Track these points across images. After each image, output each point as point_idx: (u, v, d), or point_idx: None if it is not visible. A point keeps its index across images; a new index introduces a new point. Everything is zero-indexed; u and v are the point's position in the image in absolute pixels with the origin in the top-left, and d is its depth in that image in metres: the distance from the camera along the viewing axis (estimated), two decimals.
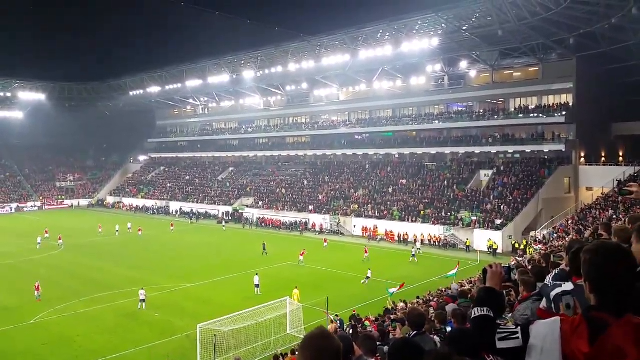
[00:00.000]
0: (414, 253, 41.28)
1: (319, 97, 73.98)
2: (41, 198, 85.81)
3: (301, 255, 39.78)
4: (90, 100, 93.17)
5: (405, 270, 36.60)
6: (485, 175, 53.99)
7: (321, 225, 56.85)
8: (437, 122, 60.49)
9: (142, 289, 29.20)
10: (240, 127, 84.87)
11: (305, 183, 67.77)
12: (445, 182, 55.35)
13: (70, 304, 29.46)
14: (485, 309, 2.62)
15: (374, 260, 39.03)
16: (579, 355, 1.90)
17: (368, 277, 32.85)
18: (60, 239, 49.41)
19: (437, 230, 48.20)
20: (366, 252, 40.61)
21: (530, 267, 9.25)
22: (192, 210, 71.28)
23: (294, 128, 76.99)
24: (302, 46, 63.49)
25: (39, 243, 48.03)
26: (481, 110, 57.65)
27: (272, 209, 63.65)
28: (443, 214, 50.12)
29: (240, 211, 66.50)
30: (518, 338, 2.30)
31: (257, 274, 31.71)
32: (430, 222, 49.55)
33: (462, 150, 57.75)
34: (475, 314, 2.66)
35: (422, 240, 47.02)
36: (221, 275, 35.42)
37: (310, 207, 60.29)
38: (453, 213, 49.63)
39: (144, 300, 28.52)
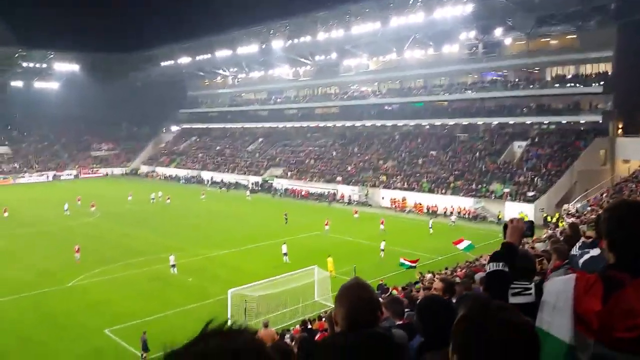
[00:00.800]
0: (431, 224, 41.21)
1: (348, 66, 73.09)
2: (77, 167, 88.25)
3: (326, 225, 40.12)
4: (123, 71, 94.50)
5: (433, 242, 36.47)
6: (518, 146, 52.84)
7: (349, 196, 56.93)
8: (469, 92, 59.16)
9: (172, 254, 30.07)
10: (269, 98, 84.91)
11: (334, 154, 67.67)
12: (477, 154, 54.45)
13: (106, 268, 30.57)
14: (500, 264, 2.55)
15: (403, 232, 39.02)
16: (590, 314, 1.84)
17: (382, 249, 32.70)
18: (93, 206, 50.99)
19: (467, 203, 47.70)
20: (382, 224, 40.47)
21: (562, 238, 9.09)
22: (222, 180, 72.30)
23: (322, 98, 76.52)
24: (331, 14, 62.51)
25: (67, 210, 49.60)
26: (516, 80, 56.02)
27: (301, 179, 63.97)
28: (474, 186, 49.47)
29: (269, 181, 67.05)
30: (531, 294, 2.26)
31: (284, 243, 32.17)
32: (460, 195, 49.03)
33: (495, 120, 56.50)
34: (489, 269, 2.60)
35: (458, 212, 46.61)
36: (250, 244, 36.03)
37: (339, 178, 60.33)
38: (484, 185, 48.94)
39: (174, 265, 29.43)
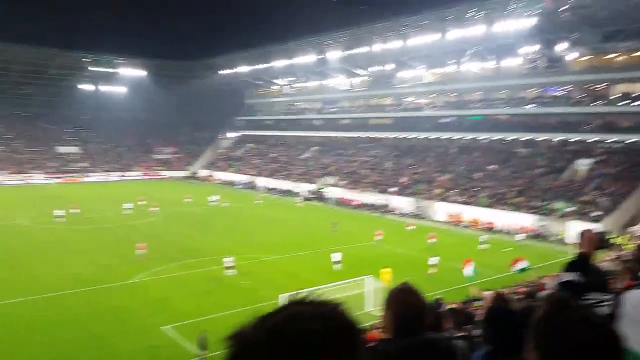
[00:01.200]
0: (481, 240, 40.15)
1: (403, 78, 72.81)
2: (140, 168, 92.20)
3: (377, 235, 40.00)
4: (185, 77, 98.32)
5: (490, 258, 35.56)
6: (582, 164, 50.76)
7: (403, 208, 56.44)
8: (530, 106, 57.50)
9: (229, 257, 30.88)
10: (324, 107, 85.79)
11: (388, 165, 67.38)
12: (538, 170, 52.72)
13: (165, 267, 31.78)
14: (575, 273, 2.54)
15: (457, 246, 38.25)
16: None
17: (432, 265, 31.89)
18: (155, 206, 53.19)
19: (527, 220, 46.21)
20: (432, 238, 39.59)
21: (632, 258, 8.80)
22: (276, 187, 73.50)
23: (377, 109, 76.55)
24: (387, 26, 62.58)
25: (129, 209, 52.10)
26: (580, 96, 53.99)
27: (354, 189, 64.05)
28: (535, 203, 47.90)
29: (322, 190, 67.53)
30: (606, 306, 2.25)
31: (339, 252, 32.33)
32: (520, 211, 47.58)
33: (557, 137, 54.57)
34: (563, 279, 2.59)
35: (501, 229, 45.32)
36: (301, 250, 36.42)
37: (392, 190, 59.98)
38: (546, 203, 47.28)
39: (230, 267, 30.20)
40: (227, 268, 30.21)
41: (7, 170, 79.48)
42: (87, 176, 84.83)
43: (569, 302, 1.49)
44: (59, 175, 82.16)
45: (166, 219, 49.64)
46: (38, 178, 79.63)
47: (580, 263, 2.67)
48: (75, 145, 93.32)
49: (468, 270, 25.76)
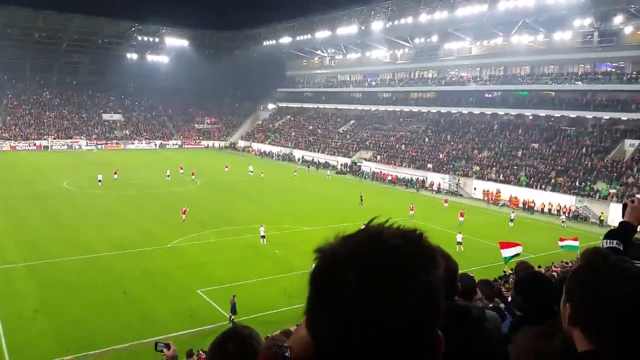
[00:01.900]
0: (512, 218, 39.40)
1: (448, 50, 70.81)
2: (181, 137, 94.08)
3: (411, 209, 39.75)
4: (228, 48, 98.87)
5: (527, 238, 34.80)
6: (630, 145, 48.54)
7: (439, 184, 55.69)
8: (580, 82, 55.04)
9: (262, 225, 31.41)
10: (364, 80, 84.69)
11: (426, 140, 66.33)
12: (584, 150, 50.79)
13: (202, 233, 32.64)
14: (615, 242, 2.41)
15: (493, 226, 37.61)
16: None
17: (459, 242, 31.44)
18: (193, 174, 54.34)
19: (567, 200, 44.86)
20: (462, 216, 38.74)
21: None
22: (312, 159, 73.70)
23: (419, 83, 74.92)
24: None
25: (169, 176, 53.61)
26: (633, 72, 51.25)
27: (390, 164, 63.52)
28: (577, 183, 46.36)
29: (357, 164, 67.29)
30: None
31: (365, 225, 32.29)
32: (561, 191, 46.20)
33: (606, 115, 52.21)
34: (602, 246, 2.45)
35: (542, 209, 44.11)
36: (334, 223, 36.51)
37: (429, 165, 59.16)
38: (588, 183, 45.69)
39: (264, 236, 30.74)
40: (262, 237, 30.79)
41: (54, 136, 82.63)
42: (130, 143, 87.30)
43: (606, 254, 1.42)
44: (103, 142, 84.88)
45: (205, 187, 50.72)
46: (82, 144, 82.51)
47: (622, 232, 2.55)
48: (119, 113, 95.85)
49: (509, 252, 25.07)
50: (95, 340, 18.07)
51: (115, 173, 52.10)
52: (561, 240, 27.10)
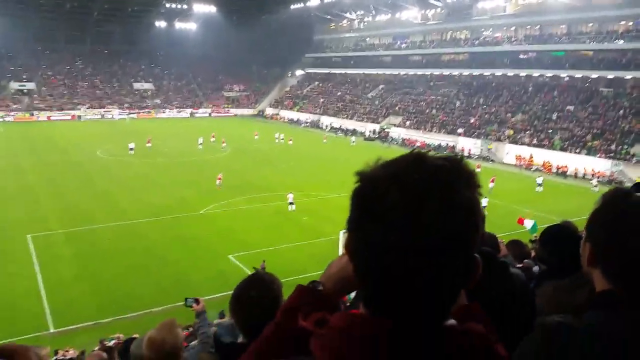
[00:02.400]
0: (539, 182, 38.44)
1: (482, 9, 68.20)
2: (211, 106, 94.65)
3: None
4: (255, 13, 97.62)
5: (555, 203, 34.13)
6: None
7: (470, 149, 54.71)
8: (621, 41, 52.45)
9: (291, 192, 31.69)
10: (394, 43, 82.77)
11: (458, 104, 64.92)
12: (622, 112, 48.90)
13: (233, 200, 33.15)
14: None
15: (525, 191, 36.91)
16: None
17: (483, 206, 30.93)
18: (223, 142, 54.90)
19: (603, 165, 43.56)
20: (492, 182, 37.47)
21: None
22: (340, 125, 73.19)
23: (451, 44, 72.75)
24: None
25: (201, 144, 54.39)
26: None
27: (419, 129, 62.59)
28: (613, 147, 44.85)
29: (386, 130, 66.53)
30: None
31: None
32: (596, 155, 44.83)
33: None
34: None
35: (593, 175, 42.90)
36: None
37: (460, 130, 58.08)
38: (625, 147, 44.14)
39: (292, 203, 31.07)
40: (290, 203, 31.11)
41: (87, 105, 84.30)
42: (161, 112, 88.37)
43: (627, 193, 1.37)
44: (135, 111, 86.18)
45: (234, 154, 51.21)
46: (115, 113, 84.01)
47: None
48: (150, 82, 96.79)
49: (528, 224, 24.49)
50: (131, 303, 18.82)
51: (149, 142, 53.01)
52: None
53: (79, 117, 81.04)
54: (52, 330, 17.11)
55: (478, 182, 0.94)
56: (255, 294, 2.30)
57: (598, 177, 42.08)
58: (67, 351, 13.36)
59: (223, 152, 52.60)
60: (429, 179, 0.89)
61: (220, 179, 36.43)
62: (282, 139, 60.75)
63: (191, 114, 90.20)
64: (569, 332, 1.19)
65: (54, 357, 12.20)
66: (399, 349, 0.90)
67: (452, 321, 0.96)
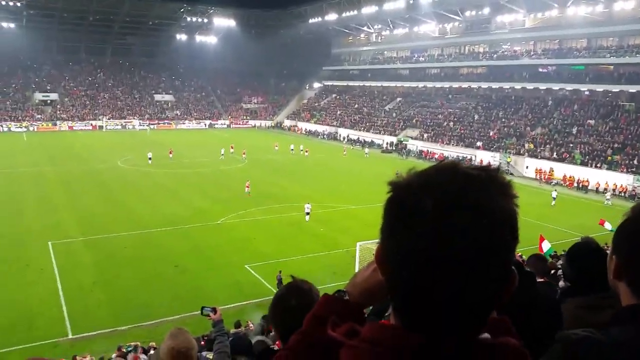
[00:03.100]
0: (554, 196, 38.04)
1: (501, 23, 68.00)
2: (229, 117, 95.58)
3: None
4: (274, 27, 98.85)
5: (567, 217, 33.62)
6: None
7: (489, 162, 54.18)
8: None
9: (308, 203, 31.80)
10: (411, 56, 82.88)
11: (476, 117, 64.54)
12: None
13: (249, 211, 33.28)
14: None
15: (540, 205, 36.42)
16: None
17: None
18: (244, 153, 55.40)
19: (625, 180, 42.84)
20: None
21: None
22: (358, 138, 73.27)
23: (469, 57, 72.59)
24: None
25: (222, 155, 55.01)
26: None
27: (437, 142, 62.31)
28: (636, 161, 44.11)
29: (404, 142, 66.38)
30: None
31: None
32: (618, 170, 44.12)
33: None
34: None
35: (612, 189, 42.27)
36: (379, 202, 36.23)
37: (479, 144, 57.66)
38: None
39: (308, 213, 31.22)
40: (307, 214, 31.27)
41: (108, 116, 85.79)
42: (181, 123, 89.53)
43: None
44: (155, 122, 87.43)
45: (253, 165, 51.52)
46: (135, 124, 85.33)
47: None
48: (170, 94, 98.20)
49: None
50: (148, 311, 18.94)
51: (171, 152, 53.75)
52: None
53: (101, 127, 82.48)
54: (70, 337, 17.26)
55: (514, 192, 0.92)
56: (295, 302, 2.31)
57: (614, 191, 41.65)
58: (84, 357, 13.51)
59: (241, 162, 52.97)
60: (462, 188, 0.87)
61: (248, 186, 37.60)
62: (300, 149, 61.00)
63: (210, 125, 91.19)
64: (592, 346, 1.17)
65: None
66: None
67: (485, 335, 0.94)
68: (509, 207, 0.90)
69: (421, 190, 0.89)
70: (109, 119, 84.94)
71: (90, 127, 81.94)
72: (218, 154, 55.37)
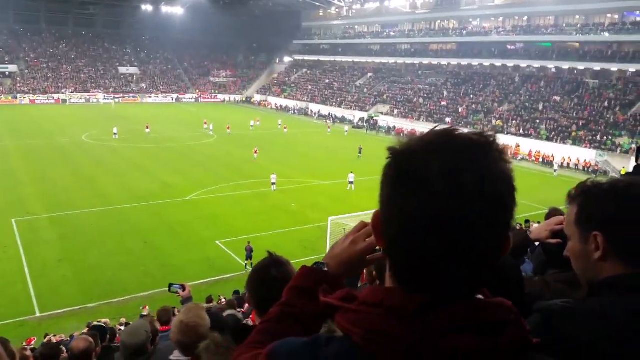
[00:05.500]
0: None
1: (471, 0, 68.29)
2: (197, 91, 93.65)
3: None
4: None
5: (546, 193, 34.53)
6: None
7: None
8: (606, 33, 52.94)
9: (274, 173, 32.45)
10: (382, 32, 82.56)
11: (445, 94, 65.09)
12: (607, 103, 49.47)
13: (220, 186, 32.98)
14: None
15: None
16: None
17: None
18: (228, 128, 55.06)
19: (588, 155, 44.15)
20: None
21: None
22: (329, 113, 73.02)
23: (439, 34, 72.80)
24: None
25: (211, 130, 54.57)
26: None
27: (407, 118, 62.71)
28: (598, 137, 45.44)
29: (374, 118, 66.51)
30: None
31: (352, 172, 33.39)
32: (582, 145, 45.40)
33: (632, 68, 50.43)
34: None
35: (561, 163, 43.68)
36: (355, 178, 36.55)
37: (448, 120, 58.31)
38: (610, 138, 44.76)
39: (274, 184, 31.96)
40: (272, 184, 32.10)
41: (71, 89, 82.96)
42: (147, 97, 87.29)
43: (618, 179, 1.41)
44: (120, 96, 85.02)
45: (223, 141, 50.82)
46: (100, 97, 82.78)
47: (636, 174, 2.51)
48: (135, 66, 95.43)
49: None
50: (117, 288, 18.75)
51: (147, 127, 52.80)
52: None
53: (64, 101, 79.76)
54: (38, 315, 16.97)
55: (509, 157, 0.95)
56: (275, 273, 2.32)
57: (576, 166, 43.42)
58: (57, 336, 13.29)
59: (210, 138, 52.17)
60: (466, 152, 0.89)
61: (256, 152, 40.87)
62: (279, 125, 60.59)
63: (177, 99, 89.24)
64: (569, 315, 1.19)
65: (44, 340, 12.13)
66: (438, 321, 0.89)
67: (479, 296, 0.96)
68: (508, 171, 0.92)
69: (426, 153, 0.90)
70: (72, 92, 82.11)
71: (54, 101, 79.12)
72: (187, 129, 54.25)
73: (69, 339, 11.31)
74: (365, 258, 1.26)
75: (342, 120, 69.69)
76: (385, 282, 0.99)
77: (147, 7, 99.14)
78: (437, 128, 0.95)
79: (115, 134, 48.92)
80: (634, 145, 42.11)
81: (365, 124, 66.49)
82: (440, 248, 0.87)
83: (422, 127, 58.76)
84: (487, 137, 0.94)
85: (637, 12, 52.52)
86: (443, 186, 0.86)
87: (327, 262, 1.29)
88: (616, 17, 53.87)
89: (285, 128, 58.98)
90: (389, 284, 0.98)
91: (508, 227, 0.93)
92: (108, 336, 8.14)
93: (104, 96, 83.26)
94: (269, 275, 2.32)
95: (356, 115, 69.69)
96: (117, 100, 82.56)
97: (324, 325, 1.33)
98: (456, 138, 0.92)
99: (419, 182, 0.88)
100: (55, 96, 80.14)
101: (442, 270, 0.89)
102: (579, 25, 56.27)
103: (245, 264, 20.37)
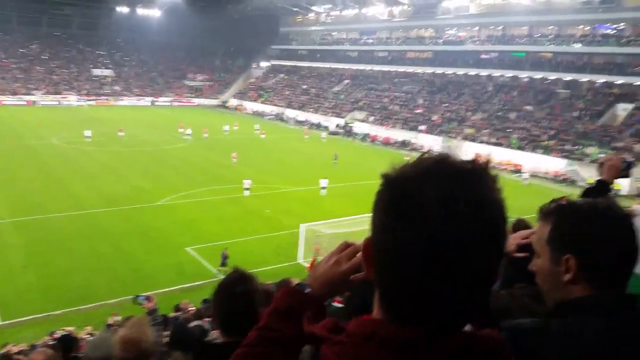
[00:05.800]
0: None
1: (447, 8, 69.28)
2: (172, 94, 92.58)
3: None
4: (221, 2, 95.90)
5: (516, 201, 35.08)
6: (623, 109, 48.41)
7: (430, 146, 55.45)
8: (578, 45, 54.34)
9: (247, 179, 32.21)
10: (360, 39, 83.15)
11: (421, 102, 65.78)
12: (576, 113, 50.68)
13: (193, 191, 32.61)
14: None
15: None
16: None
17: None
18: (205, 132, 54.46)
19: (558, 164, 45.09)
20: None
21: None
22: (305, 119, 73.00)
23: (416, 42, 73.69)
24: None
25: (188, 134, 53.78)
26: (633, 35, 50.57)
27: (383, 125, 63.12)
28: (568, 147, 46.48)
29: (350, 125, 66.72)
30: None
31: (326, 179, 33.75)
32: (552, 155, 46.35)
33: (601, 79, 51.81)
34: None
35: (520, 170, 44.63)
36: (329, 184, 36.56)
37: (422, 127, 58.87)
38: (580, 148, 45.81)
39: (247, 189, 31.65)
40: (246, 189, 31.76)
41: (43, 90, 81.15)
42: (120, 99, 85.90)
43: (587, 201, 1.44)
44: (93, 98, 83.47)
45: (198, 145, 50.31)
46: (72, 99, 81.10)
47: (599, 190, 2.52)
48: (110, 69, 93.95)
49: None
50: (84, 294, 18.29)
51: (121, 131, 51.75)
52: None
53: (34, 102, 77.92)
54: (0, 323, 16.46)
55: (501, 185, 0.95)
56: (241, 289, 2.32)
57: (527, 173, 43.74)
58: (16, 346, 12.86)
59: (185, 142, 51.62)
60: (461, 177, 0.89)
61: (235, 157, 40.60)
62: (256, 130, 60.46)
63: (152, 102, 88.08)
64: (535, 336, 1.19)
65: (3, 350, 11.72)
66: (432, 356, 0.87)
67: (467, 327, 0.95)
68: (501, 199, 0.92)
69: (421, 179, 0.89)
70: (43, 94, 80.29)
71: (24, 103, 77.20)
72: (162, 133, 53.55)
73: (29, 348, 10.96)
74: (349, 279, 1.23)
75: (319, 126, 69.70)
76: (374, 313, 0.97)
77: (123, 9, 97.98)
78: (427, 154, 0.94)
79: (87, 136, 47.98)
80: (601, 155, 43.16)
81: (341, 130, 66.69)
82: (436, 272, 0.86)
83: (397, 135, 59.31)
84: (481, 165, 0.94)
85: (607, 25, 54.06)
86: (439, 212, 0.85)
87: (310, 283, 1.26)
88: (587, 29, 55.35)
89: (262, 133, 58.74)
90: (378, 315, 0.95)
91: (502, 253, 0.92)
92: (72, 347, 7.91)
93: (77, 98, 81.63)
94: (234, 291, 2.33)
95: (333, 121, 69.83)
96: (90, 102, 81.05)
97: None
98: (451, 165, 0.92)
99: (415, 208, 0.87)
100: (26, 98, 78.23)
101: (436, 297, 0.87)
102: (551, 36, 57.64)
103: (218, 271, 20.05)
